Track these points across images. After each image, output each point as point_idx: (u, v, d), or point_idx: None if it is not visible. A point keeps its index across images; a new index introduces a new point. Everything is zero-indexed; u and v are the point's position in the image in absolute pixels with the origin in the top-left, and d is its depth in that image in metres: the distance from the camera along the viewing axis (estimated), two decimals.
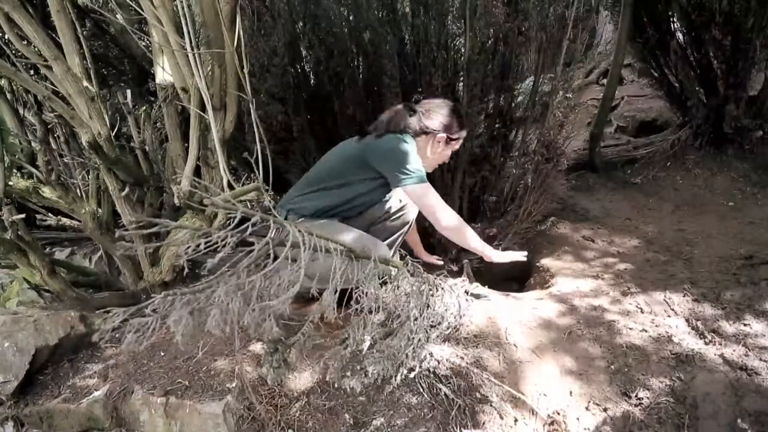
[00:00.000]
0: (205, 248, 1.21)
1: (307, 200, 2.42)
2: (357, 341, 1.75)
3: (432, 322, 2.04)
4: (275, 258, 1.33)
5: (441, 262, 3.16)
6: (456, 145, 2.55)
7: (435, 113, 2.43)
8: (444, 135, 2.42)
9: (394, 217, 2.61)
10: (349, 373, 1.72)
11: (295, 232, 1.41)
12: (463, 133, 2.54)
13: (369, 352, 1.78)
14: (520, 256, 2.48)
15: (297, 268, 1.32)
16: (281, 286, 1.26)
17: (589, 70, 7.56)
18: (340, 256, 1.64)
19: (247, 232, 1.27)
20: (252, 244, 1.33)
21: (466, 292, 2.33)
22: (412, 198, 2.40)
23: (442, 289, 2.17)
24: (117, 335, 2.25)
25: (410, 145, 2.32)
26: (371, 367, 1.74)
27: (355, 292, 2.00)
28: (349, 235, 2.29)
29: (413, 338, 1.85)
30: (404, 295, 1.90)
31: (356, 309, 1.79)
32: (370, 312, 1.75)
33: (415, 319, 1.87)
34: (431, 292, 2.10)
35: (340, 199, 2.41)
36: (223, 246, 1.22)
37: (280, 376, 1.80)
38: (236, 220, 1.32)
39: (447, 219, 2.32)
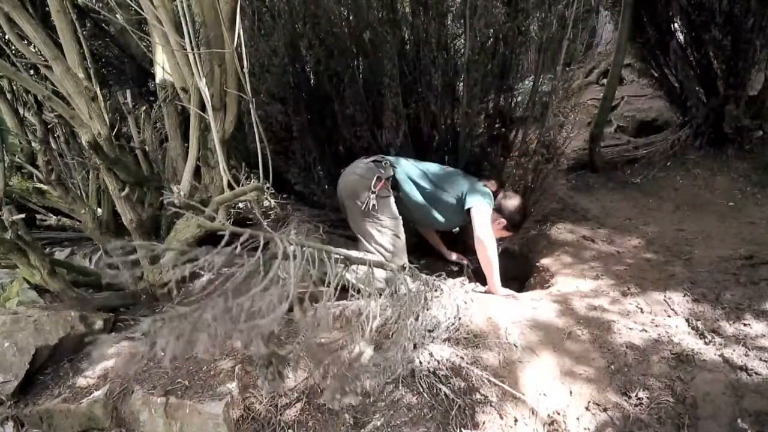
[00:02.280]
0: (196, 265, 1.21)
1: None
2: (355, 352, 1.76)
3: (429, 326, 2.05)
4: (267, 271, 1.33)
5: (465, 261, 3.21)
6: (503, 234, 3.10)
7: (512, 202, 3.00)
8: (504, 221, 2.98)
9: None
10: (340, 394, 1.72)
11: (287, 246, 1.40)
12: (513, 233, 3.16)
13: (365, 366, 1.78)
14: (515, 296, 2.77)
15: (286, 285, 1.31)
16: (270, 305, 1.25)
17: (589, 70, 7.56)
18: (335, 264, 1.64)
19: (237, 251, 1.27)
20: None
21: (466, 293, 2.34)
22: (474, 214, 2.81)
23: (441, 290, 2.17)
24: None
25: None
26: (368, 381, 1.75)
27: (351, 298, 2.00)
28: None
29: (409, 346, 1.85)
30: (402, 299, 1.91)
31: (354, 313, 1.80)
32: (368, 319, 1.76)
33: (413, 327, 1.87)
34: (430, 295, 2.10)
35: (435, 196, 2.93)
36: (211, 267, 1.22)
37: (275, 388, 1.80)
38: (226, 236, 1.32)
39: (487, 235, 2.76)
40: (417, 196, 2.91)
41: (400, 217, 2.85)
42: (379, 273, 2.05)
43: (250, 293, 1.26)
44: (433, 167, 3.01)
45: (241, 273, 1.29)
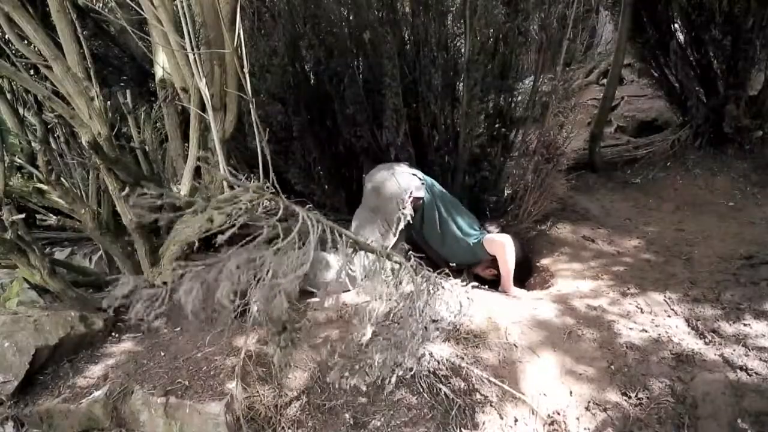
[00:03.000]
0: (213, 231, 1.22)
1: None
2: (363, 329, 1.75)
3: (433, 317, 2.04)
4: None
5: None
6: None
7: None
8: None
9: None
10: (349, 373, 1.71)
11: (305, 215, 1.41)
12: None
13: (375, 339, 1.78)
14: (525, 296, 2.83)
15: (306, 249, 1.32)
16: (291, 265, 1.26)
17: (589, 70, 7.56)
18: (345, 246, 1.64)
19: (259, 211, 1.28)
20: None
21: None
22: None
23: (443, 287, 2.17)
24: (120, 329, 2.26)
25: None
26: (377, 355, 1.74)
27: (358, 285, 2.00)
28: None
29: (417, 332, 1.85)
30: (407, 289, 1.91)
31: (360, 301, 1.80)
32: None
33: (420, 312, 1.87)
34: (433, 290, 2.09)
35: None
36: (232, 226, 1.22)
37: (287, 356, 1.79)
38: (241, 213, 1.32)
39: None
40: (436, 226, 2.95)
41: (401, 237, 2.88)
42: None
43: (272, 248, 1.27)
44: (455, 202, 3.09)
45: (264, 232, 1.29)
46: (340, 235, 1.61)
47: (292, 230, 1.38)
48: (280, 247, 1.28)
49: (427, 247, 3.07)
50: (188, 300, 1.10)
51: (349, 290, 2.48)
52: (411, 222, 2.85)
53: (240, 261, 1.17)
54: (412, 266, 1.95)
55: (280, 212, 1.35)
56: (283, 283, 1.20)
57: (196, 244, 2.38)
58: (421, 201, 2.87)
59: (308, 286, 2.33)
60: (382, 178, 2.88)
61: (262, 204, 1.30)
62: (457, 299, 2.17)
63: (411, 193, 2.80)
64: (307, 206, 1.56)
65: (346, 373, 1.68)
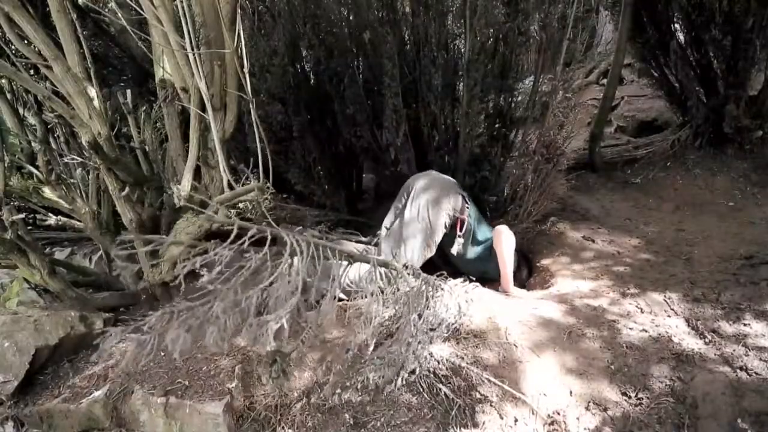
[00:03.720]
0: (202, 260, 1.21)
1: None
2: (359, 345, 1.76)
3: (432, 324, 2.04)
4: (274, 267, 1.33)
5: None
6: None
7: None
8: None
9: None
10: (342, 388, 1.72)
11: (293, 242, 1.40)
12: None
13: (369, 358, 1.78)
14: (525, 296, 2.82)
15: (294, 281, 1.32)
16: (279, 300, 1.26)
17: (589, 70, 7.56)
18: (339, 260, 1.64)
19: (245, 245, 1.27)
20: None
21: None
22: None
23: (442, 290, 2.17)
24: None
25: None
26: (372, 374, 1.75)
27: (354, 296, 2.00)
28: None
29: (413, 342, 1.85)
30: (404, 296, 1.91)
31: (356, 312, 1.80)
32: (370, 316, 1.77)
33: (415, 324, 1.87)
34: (431, 294, 2.10)
35: None
36: (220, 260, 1.22)
37: (279, 386, 1.80)
38: (234, 231, 1.32)
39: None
40: (470, 251, 2.94)
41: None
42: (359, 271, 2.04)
43: (259, 287, 1.27)
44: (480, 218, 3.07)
45: (249, 267, 1.29)
46: (333, 252, 1.61)
47: (283, 253, 1.38)
48: (270, 282, 1.28)
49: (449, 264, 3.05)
50: (176, 347, 1.10)
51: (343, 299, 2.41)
52: (455, 244, 2.85)
53: (226, 304, 1.17)
54: (408, 274, 1.96)
55: (267, 242, 1.34)
56: (270, 320, 1.20)
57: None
58: (467, 225, 2.85)
59: (341, 293, 2.31)
60: (435, 193, 2.79)
61: (248, 234, 1.29)
62: (456, 302, 2.18)
63: (461, 214, 2.80)
64: (297, 228, 1.56)
65: (338, 390, 1.69)
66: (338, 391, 1.69)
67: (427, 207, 2.73)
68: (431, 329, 2.02)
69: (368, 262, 1.83)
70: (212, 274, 1.24)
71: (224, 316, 1.14)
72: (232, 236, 1.24)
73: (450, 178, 2.97)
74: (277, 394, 1.91)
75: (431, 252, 2.76)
